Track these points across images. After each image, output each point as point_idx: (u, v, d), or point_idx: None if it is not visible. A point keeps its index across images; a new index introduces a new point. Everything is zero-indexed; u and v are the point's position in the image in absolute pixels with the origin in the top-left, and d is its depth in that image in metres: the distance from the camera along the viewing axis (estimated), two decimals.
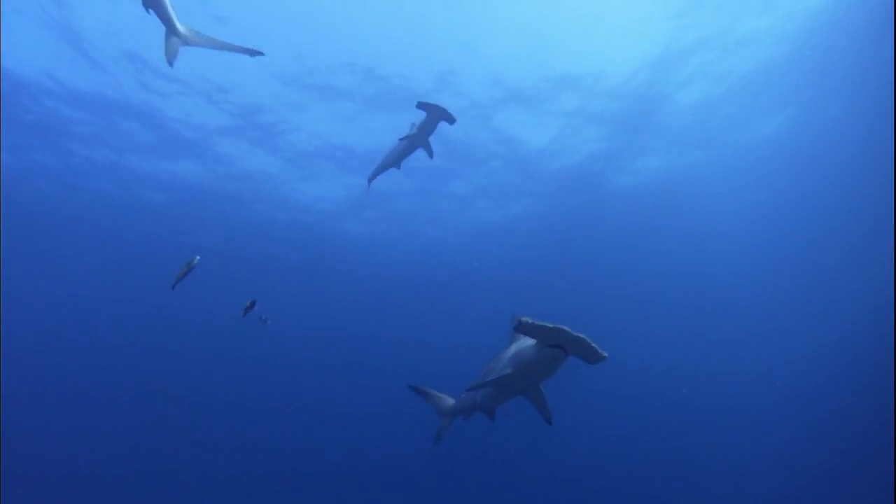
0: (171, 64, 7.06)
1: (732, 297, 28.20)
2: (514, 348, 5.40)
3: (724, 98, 18.92)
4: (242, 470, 29.55)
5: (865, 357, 23.02)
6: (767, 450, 28.93)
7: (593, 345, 4.47)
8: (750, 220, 25.13)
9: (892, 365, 19.05)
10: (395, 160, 10.32)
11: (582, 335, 4.45)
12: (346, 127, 19.80)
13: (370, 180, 11.44)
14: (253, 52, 6.91)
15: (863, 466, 20.35)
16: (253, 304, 6.29)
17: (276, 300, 27.99)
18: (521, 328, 4.48)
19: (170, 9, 6.67)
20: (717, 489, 27.20)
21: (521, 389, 5.59)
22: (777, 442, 28.51)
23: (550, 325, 4.42)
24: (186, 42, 6.97)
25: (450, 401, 7.28)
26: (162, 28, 6.82)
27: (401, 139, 9.47)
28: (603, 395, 31.10)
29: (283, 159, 21.39)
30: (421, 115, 8.89)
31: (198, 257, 6.00)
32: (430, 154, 9.55)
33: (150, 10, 6.64)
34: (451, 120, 8.64)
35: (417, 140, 9.32)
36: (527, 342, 5.00)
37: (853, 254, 23.83)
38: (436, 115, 8.68)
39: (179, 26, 6.84)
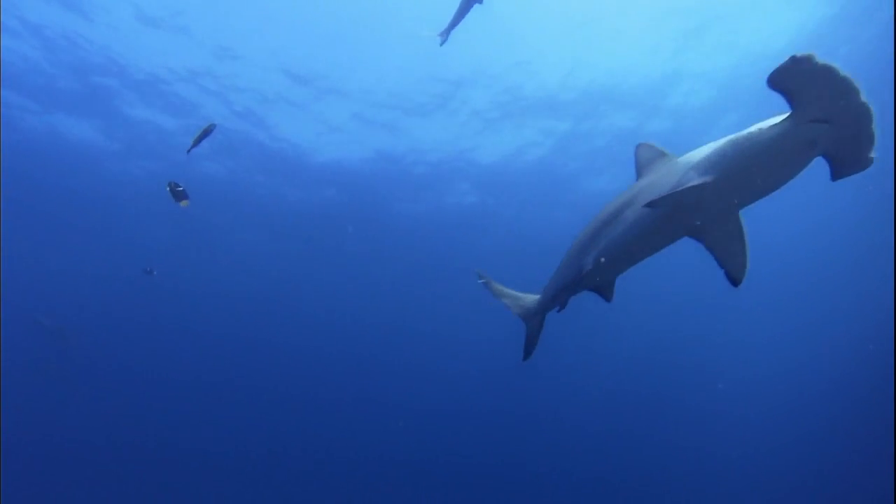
0: None
1: (732, 299, 28.08)
2: (713, 145, 3.33)
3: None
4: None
5: (866, 362, 22.95)
6: (766, 453, 28.86)
7: (873, 126, 2.86)
8: (748, 223, 24.99)
9: (893, 369, 18.97)
10: None
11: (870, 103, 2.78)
12: None
13: (449, 30, 9.13)
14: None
15: (863, 471, 20.30)
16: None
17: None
18: (791, 66, 2.75)
19: None
20: (717, 491, 27.16)
21: (707, 221, 3.45)
22: (776, 445, 28.45)
23: (841, 72, 2.73)
24: None
25: (530, 297, 5.11)
26: None
27: None
28: (603, 397, 30.99)
29: None
30: None
31: (216, 124, 5.59)
32: None
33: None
34: None
35: None
36: (744, 132, 3.17)
37: (853, 256, 23.77)
38: None
39: None
